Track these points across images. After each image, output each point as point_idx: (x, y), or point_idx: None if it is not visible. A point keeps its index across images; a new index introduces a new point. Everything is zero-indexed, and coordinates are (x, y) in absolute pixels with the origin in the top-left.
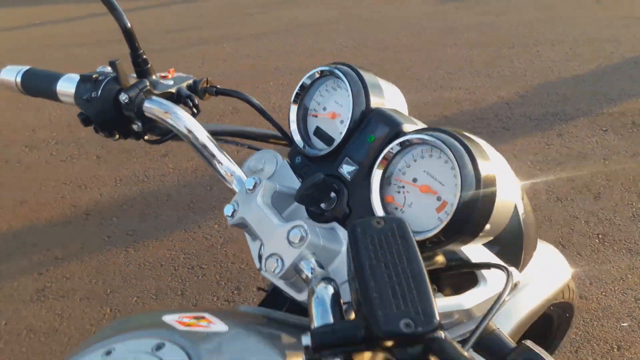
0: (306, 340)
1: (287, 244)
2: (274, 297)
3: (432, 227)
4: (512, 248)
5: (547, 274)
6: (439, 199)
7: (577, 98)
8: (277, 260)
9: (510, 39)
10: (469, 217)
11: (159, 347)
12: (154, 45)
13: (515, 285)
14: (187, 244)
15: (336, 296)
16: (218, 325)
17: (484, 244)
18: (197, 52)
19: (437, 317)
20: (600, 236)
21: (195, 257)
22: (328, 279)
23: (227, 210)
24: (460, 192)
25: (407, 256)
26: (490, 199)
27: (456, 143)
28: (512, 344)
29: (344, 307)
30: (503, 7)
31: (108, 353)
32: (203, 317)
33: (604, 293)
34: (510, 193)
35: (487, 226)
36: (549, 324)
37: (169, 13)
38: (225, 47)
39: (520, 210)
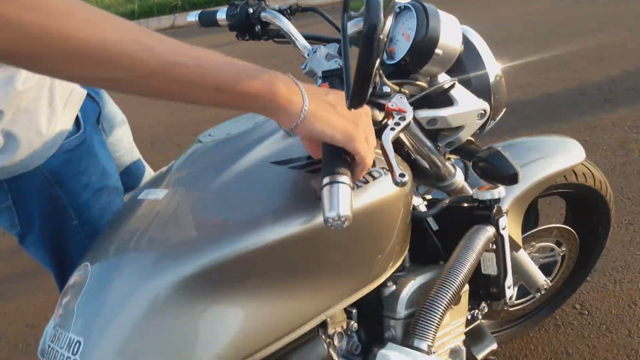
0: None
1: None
2: None
3: (405, 52)
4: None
5: (557, 153)
6: (410, 37)
7: None
8: (318, 78)
9: (629, 23)
10: (422, 43)
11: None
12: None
13: (484, 112)
14: None
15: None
16: None
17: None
18: None
19: None
20: None
21: None
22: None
23: (303, 65)
24: (416, 29)
25: None
26: (434, 37)
27: (420, 6)
28: (482, 149)
29: None
30: None
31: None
32: None
33: None
34: (454, 42)
35: (438, 51)
36: (591, 216)
37: None
38: None
39: (492, 79)
